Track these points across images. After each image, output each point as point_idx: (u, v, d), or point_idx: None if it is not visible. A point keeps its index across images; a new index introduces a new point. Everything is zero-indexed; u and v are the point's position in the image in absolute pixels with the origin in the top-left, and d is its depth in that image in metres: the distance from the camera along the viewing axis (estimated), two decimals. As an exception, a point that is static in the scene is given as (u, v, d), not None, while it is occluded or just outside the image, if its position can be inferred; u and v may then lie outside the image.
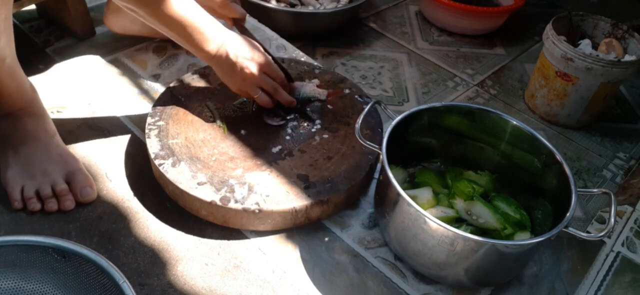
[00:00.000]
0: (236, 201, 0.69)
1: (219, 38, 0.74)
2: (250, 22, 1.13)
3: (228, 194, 0.70)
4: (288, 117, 0.84)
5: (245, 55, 0.76)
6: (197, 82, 0.89)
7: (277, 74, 0.81)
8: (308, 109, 0.86)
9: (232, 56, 0.75)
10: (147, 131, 0.78)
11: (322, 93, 0.85)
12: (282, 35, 1.10)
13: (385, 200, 0.68)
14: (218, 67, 0.76)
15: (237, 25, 0.89)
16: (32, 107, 0.75)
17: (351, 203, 0.78)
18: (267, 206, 0.69)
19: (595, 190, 0.70)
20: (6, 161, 0.73)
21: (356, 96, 0.90)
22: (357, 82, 1.02)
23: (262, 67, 0.78)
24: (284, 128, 0.82)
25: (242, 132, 0.80)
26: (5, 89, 0.70)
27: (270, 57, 0.81)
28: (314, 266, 0.70)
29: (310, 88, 0.85)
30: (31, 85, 0.75)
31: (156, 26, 0.72)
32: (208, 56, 0.75)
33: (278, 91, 0.81)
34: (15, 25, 1.06)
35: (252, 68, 0.77)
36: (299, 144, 0.80)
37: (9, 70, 0.69)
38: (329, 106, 0.87)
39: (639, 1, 1.40)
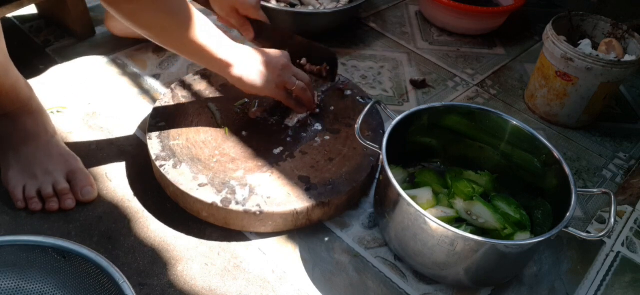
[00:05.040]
0: (237, 203, 0.69)
1: (238, 49, 0.73)
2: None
3: (229, 196, 0.70)
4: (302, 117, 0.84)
5: (271, 52, 0.76)
6: (198, 83, 0.89)
7: (298, 73, 0.80)
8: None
9: (260, 57, 0.74)
10: (148, 132, 0.78)
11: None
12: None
13: (386, 201, 0.68)
14: (247, 75, 0.74)
15: (257, 25, 0.87)
16: (30, 106, 0.75)
17: (352, 204, 0.78)
18: (268, 208, 0.69)
19: (595, 190, 0.70)
20: (7, 161, 0.73)
21: (358, 97, 0.90)
22: (357, 82, 1.02)
23: (288, 59, 0.78)
24: (286, 129, 0.82)
25: (244, 133, 0.80)
26: (1, 88, 0.70)
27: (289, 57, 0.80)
28: (314, 266, 0.70)
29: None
30: (27, 83, 0.75)
31: (171, 46, 0.71)
32: (231, 69, 0.73)
33: (307, 78, 0.80)
34: (15, 25, 1.07)
35: (284, 59, 0.77)
36: (300, 145, 0.80)
37: (2, 68, 0.68)
38: (331, 107, 0.87)
39: (639, 1, 1.40)
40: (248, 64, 0.73)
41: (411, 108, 0.76)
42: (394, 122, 0.72)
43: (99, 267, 0.54)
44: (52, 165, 0.73)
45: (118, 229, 0.71)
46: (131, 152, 0.82)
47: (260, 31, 0.87)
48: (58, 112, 0.88)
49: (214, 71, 0.74)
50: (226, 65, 0.72)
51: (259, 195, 0.70)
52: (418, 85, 1.04)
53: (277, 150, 0.78)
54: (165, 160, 0.74)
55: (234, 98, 0.86)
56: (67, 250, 0.55)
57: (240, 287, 0.66)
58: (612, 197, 0.65)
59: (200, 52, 0.69)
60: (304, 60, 0.87)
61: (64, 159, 0.75)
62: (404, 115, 0.73)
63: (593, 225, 0.80)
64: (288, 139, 0.80)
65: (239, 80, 0.74)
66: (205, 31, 0.68)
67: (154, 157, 0.74)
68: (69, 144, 0.80)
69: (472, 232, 0.62)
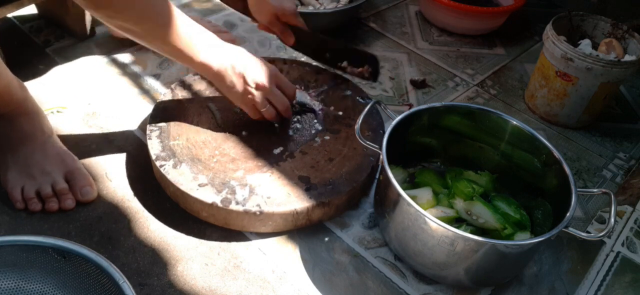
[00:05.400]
0: (237, 203, 0.69)
1: (220, 52, 0.71)
2: (250, 22, 1.13)
3: (229, 196, 0.70)
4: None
5: (255, 66, 0.74)
6: (198, 83, 0.89)
7: (287, 85, 0.79)
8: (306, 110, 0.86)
9: (239, 67, 0.73)
10: (148, 132, 0.78)
11: (316, 104, 0.86)
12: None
13: (386, 201, 0.68)
14: (222, 81, 0.73)
15: (296, 32, 0.88)
16: (25, 106, 0.75)
17: (352, 204, 0.78)
18: (268, 208, 0.69)
19: (595, 190, 0.70)
20: (5, 162, 0.73)
21: (358, 97, 0.90)
22: (357, 82, 1.02)
23: (272, 79, 0.76)
24: (285, 129, 0.82)
25: (243, 133, 0.80)
26: None
27: (277, 70, 0.79)
28: (314, 266, 0.70)
29: (304, 95, 0.87)
30: (21, 83, 0.75)
31: (152, 46, 0.69)
32: (211, 71, 0.72)
33: (284, 104, 0.79)
34: (15, 25, 1.07)
35: (263, 80, 0.74)
36: (300, 145, 0.80)
37: None
38: (331, 107, 0.87)
39: (639, 1, 1.40)
40: (227, 68, 0.72)
41: (411, 108, 0.76)
42: (394, 122, 0.72)
43: (99, 267, 0.54)
44: (50, 166, 0.73)
45: (118, 229, 0.71)
46: (131, 152, 0.82)
47: (299, 37, 0.88)
48: (58, 112, 0.88)
49: (194, 69, 0.73)
50: (207, 68, 0.71)
51: (259, 195, 0.70)
52: (418, 85, 1.04)
53: (277, 150, 0.78)
54: (165, 160, 0.74)
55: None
56: (67, 250, 0.55)
57: (240, 287, 0.66)
58: (612, 197, 0.65)
59: (180, 54, 0.68)
60: (345, 63, 0.89)
61: (62, 159, 0.74)
62: (404, 115, 0.73)
63: (593, 225, 0.80)
64: (288, 139, 0.80)
65: (217, 81, 0.73)
66: (187, 33, 0.67)
67: (154, 157, 0.74)
68: (69, 144, 0.80)
69: (472, 232, 0.62)
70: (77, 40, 1.04)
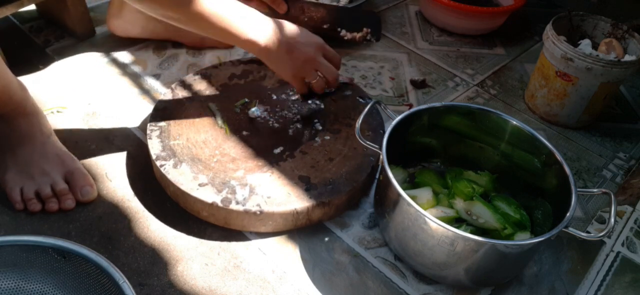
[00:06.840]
0: (237, 202, 0.69)
1: (265, 28, 0.72)
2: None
3: (229, 195, 0.70)
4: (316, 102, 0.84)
5: (301, 39, 0.74)
6: (198, 83, 0.89)
7: (333, 55, 0.79)
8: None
9: (287, 41, 0.73)
10: (148, 132, 0.78)
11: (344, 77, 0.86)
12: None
13: (386, 201, 0.68)
14: (270, 56, 0.73)
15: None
16: (24, 107, 0.75)
17: (352, 204, 0.78)
18: (269, 207, 0.69)
19: (595, 190, 0.70)
20: (4, 163, 0.73)
21: (358, 97, 0.90)
22: (357, 82, 1.02)
23: (319, 49, 0.77)
24: (287, 128, 0.82)
25: (244, 133, 0.80)
26: None
27: (323, 41, 0.79)
28: (314, 266, 0.70)
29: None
30: (21, 84, 0.75)
31: (196, 29, 0.70)
32: (258, 48, 0.72)
33: (333, 74, 0.79)
34: (15, 25, 1.07)
35: (311, 51, 0.75)
36: (301, 145, 0.80)
37: None
38: (331, 107, 0.87)
39: (639, 1, 1.40)
40: (274, 43, 0.73)
41: (411, 108, 0.76)
42: (394, 122, 0.72)
43: (99, 267, 0.54)
44: (49, 166, 0.73)
45: (118, 229, 0.71)
46: (131, 152, 0.82)
47: (292, 5, 0.86)
48: (58, 112, 0.88)
49: (240, 48, 0.73)
50: (254, 45, 0.72)
51: (259, 195, 0.70)
52: (418, 85, 1.04)
53: (277, 150, 0.78)
54: (165, 160, 0.74)
55: (234, 98, 0.86)
56: (67, 250, 0.55)
57: (240, 287, 0.66)
58: (612, 197, 0.65)
59: (225, 34, 0.69)
60: (343, 32, 0.85)
61: (61, 159, 0.74)
62: (404, 115, 0.73)
63: (593, 225, 0.80)
64: (288, 139, 0.80)
65: (265, 57, 0.74)
66: (230, 12, 0.68)
67: (154, 156, 0.74)
68: (69, 144, 0.80)
69: (472, 232, 0.62)
70: (77, 40, 1.04)
